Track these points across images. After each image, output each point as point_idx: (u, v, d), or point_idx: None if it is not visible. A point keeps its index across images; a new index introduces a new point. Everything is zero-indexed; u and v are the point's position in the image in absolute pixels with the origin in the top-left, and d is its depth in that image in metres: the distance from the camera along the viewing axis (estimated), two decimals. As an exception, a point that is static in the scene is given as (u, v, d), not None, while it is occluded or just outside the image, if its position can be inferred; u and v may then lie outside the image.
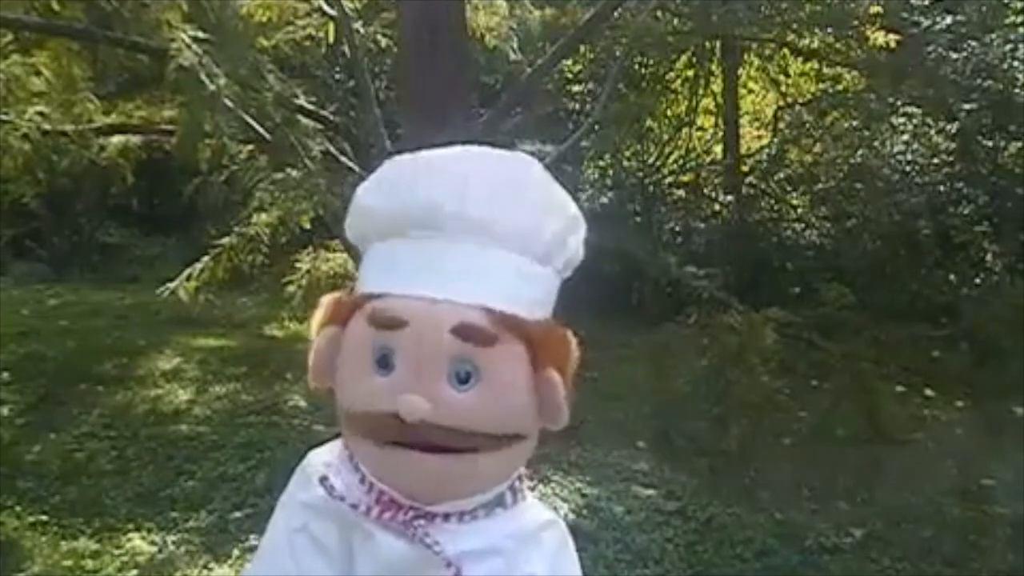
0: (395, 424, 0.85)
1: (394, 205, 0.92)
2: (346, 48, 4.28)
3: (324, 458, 0.96)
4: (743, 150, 8.56)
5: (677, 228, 8.39)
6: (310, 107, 4.30)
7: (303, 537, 0.93)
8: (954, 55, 6.70)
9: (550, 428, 0.92)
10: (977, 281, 7.31)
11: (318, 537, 0.92)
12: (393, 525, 0.89)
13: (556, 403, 0.89)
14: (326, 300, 0.95)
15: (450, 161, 0.94)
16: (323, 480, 0.93)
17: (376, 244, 0.94)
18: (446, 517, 0.90)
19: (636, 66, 7.84)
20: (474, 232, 0.89)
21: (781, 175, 8.28)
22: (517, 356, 0.88)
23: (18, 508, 3.97)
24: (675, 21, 6.44)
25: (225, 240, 4.18)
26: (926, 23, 6.69)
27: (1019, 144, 7.29)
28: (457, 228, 0.89)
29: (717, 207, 8.47)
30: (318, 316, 0.94)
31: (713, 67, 8.30)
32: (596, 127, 6.33)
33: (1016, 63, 6.74)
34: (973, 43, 6.75)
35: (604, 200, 8.02)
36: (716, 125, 8.65)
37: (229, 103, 3.41)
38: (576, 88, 8.34)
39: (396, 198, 0.92)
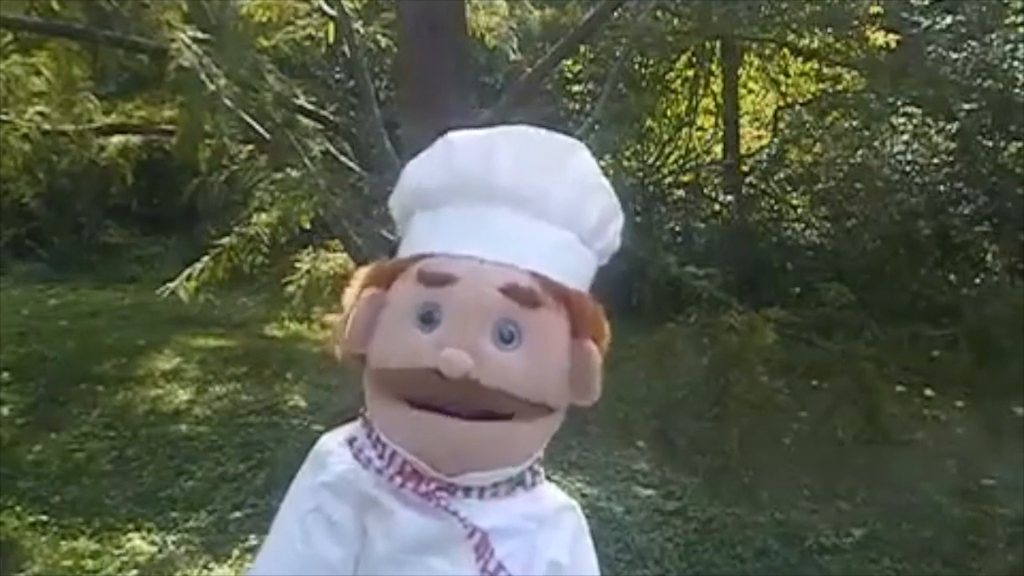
0: (434, 381, 0.85)
1: (449, 175, 0.94)
2: (346, 48, 4.27)
3: (338, 439, 0.96)
4: (743, 150, 8.56)
5: (677, 228, 8.39)
6: (310, 107, 4.29)
7: (315, 518, 0.93)
8: (954, 55, 6.71)
9: (580, 403, 0.93)
10: (977, 281, 7.31)
11: (331, 517, 0.92)
12: (414, 497, 0.89)
13: (590, 374, 0.91)
14: (366, 267, 0.97)
15: (506, 136, 0.96)
16: (351, 442, 0.93)
17: (422, 213, 0.96)
18: (467, 491, 0.90)
19: (636, 66, 7.84)
20: (525, 204, 0.91)
21: (781, 175, 8.29)
22: (559, 322, 0.90)
23: (18, 508, 3.97)
24: (675, 21, 6.45)
25: (225, 240, 4.17)
26: (926, 23, 6.69)
27: (1019, 144, 7.29)
28: (509, 199, 0.91)
29: (717, 207, 8.47)
30: (357, 280, 0.96)
31: (713, 67, 8.30)
32: (596, 127, 6.32)
33: (1016, 63, 6.74)
34: (973, 43, 6.76)
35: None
36: (716, 125, 8.65)
37: (229, 103, 3.40)
38: (576, 88, 8.33)
39: (451, 169, 0.94)
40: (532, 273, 0.89)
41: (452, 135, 0.98)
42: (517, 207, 0.91)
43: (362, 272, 0.96)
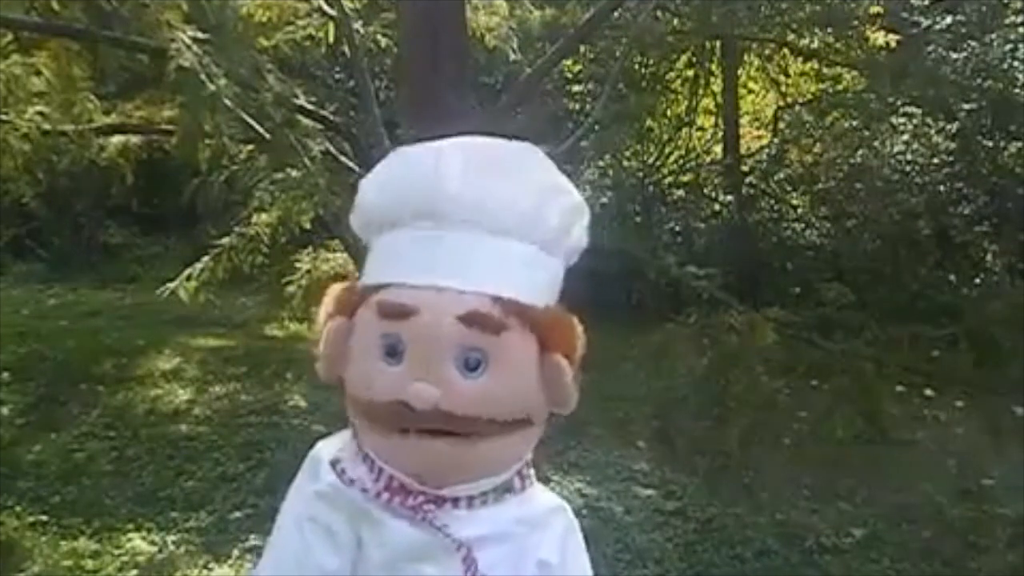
0: (405, 412, 0.85)
1: (395, 195, 0.93)
2: (346, 48, 4.28)
3: (333, 448, 0.97)
4: (743, 150, 8.55)
5: (677, 228, 8.39)
6: (310, 107, 4.29)
7: (312, 527, 0.93)
8: (954, 55, 6.70)
9: (559, 412, 0.93)
10: (977, 281, 7.31)
11: (328, 526, 0.92)
12: (402, 511, 0.89)
13: (563, 388, 0.90)
14: (333, 290, 0.96)
15: (449, 149, 0.94)
16: (334, 464, 0.93)
17: (380, 237, 0.94)
18: (455, 502, 0.90)
19: (636, 66, 7.83)
20: (477, 220, 0.89)
21: (781, 175, 8.28)
22: (525, 343, 0.89)
23: (18, 508, 3.98)
24: (675, 21, 6.46)
25: (225, 240, 4.17)
26: (926, 23, 6.70)
27: (1019, 144, 7.29)
28: (459, 217, 0.89)
29: (717, 207, 8.46)
30: (325, 306, 0.95)
31: (713, 67, 8.30)
32: (596, 127, 6.33)
33: (1016, 63, 6.73)
34: (973, 43, 6.75)
35: (604, 200, 8.00)
36: (716, 125, 8.65)
37: (229, 103, 3.40)
38: (576, 88, 8.33)
39: (397, 188, 0.93)
40: (493, 297, 0.87)
41: (403, 148, 0.97)
42: (471, 225, 0.89)
43: (330, 297, 0.95)
